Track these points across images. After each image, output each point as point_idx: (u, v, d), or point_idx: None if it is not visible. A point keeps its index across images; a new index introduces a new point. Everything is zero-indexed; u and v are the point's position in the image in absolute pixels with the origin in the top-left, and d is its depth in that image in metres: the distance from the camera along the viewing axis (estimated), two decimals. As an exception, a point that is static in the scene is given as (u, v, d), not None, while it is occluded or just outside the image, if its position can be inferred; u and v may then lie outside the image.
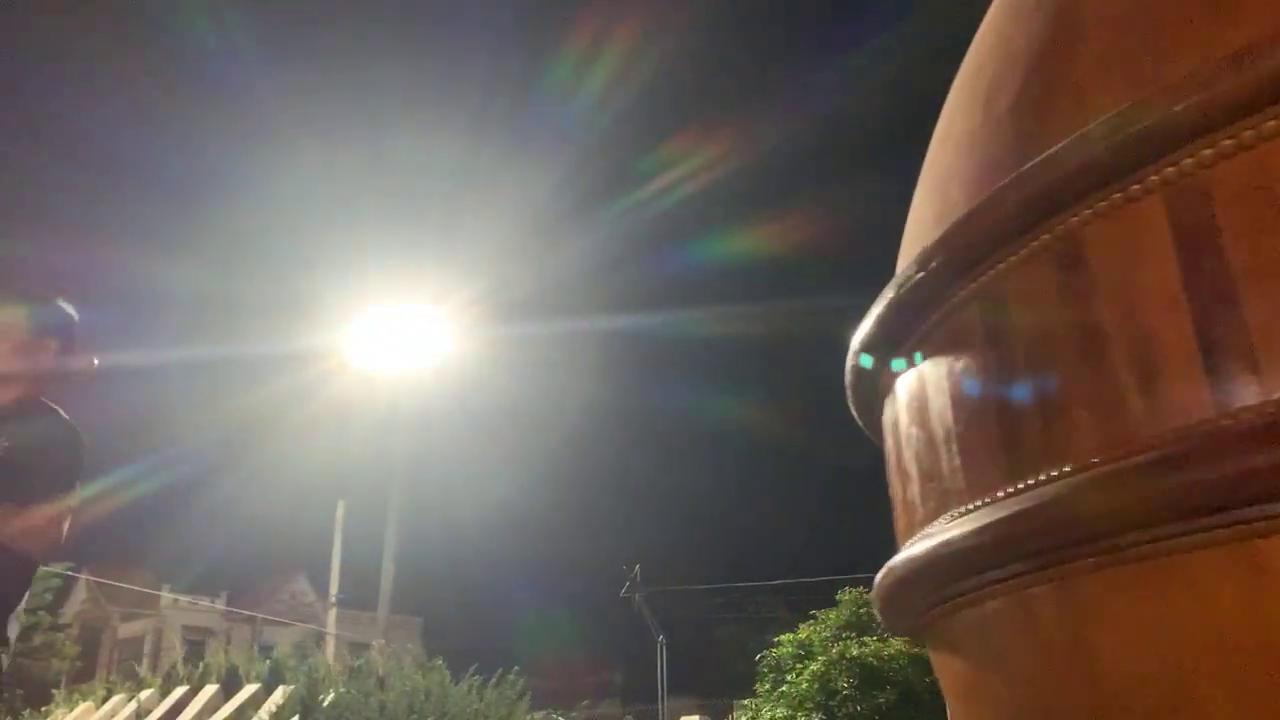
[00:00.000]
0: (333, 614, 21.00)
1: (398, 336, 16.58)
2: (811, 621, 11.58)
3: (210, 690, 10.88)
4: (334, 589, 20.96)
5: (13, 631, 2.51)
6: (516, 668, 11.19)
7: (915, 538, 1.24)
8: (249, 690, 10.71)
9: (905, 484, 1.33)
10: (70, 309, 2.85)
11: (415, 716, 10.30)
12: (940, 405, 1.19)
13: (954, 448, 1.16)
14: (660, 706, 18.51)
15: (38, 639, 23.00)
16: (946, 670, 1.44)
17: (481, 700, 10.92)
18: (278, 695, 10.35)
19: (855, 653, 9.52)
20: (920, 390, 1.26)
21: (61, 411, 2.74)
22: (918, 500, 1.26)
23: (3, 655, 2.44)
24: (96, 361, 2.89)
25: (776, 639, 11.63)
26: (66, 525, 2.57)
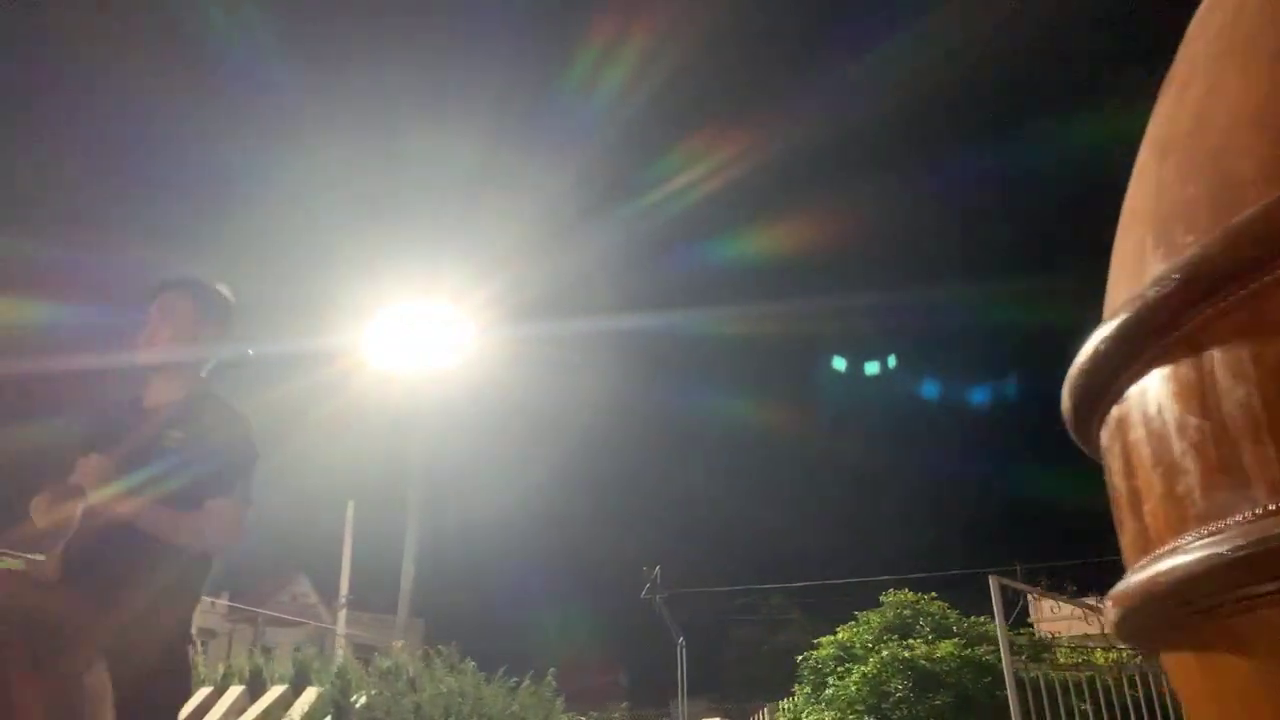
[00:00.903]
0: (342, 615, 20.75)
1: (415, 336, 16.38)
2: (852, 624, 11.41)
3: (236, 691, 10.65)
4: (344, 590, 20.72)
5: (193, 628, 2.34)
6: (553, 669, 11.02)
7: (1163, 551, 1.14)
8: (276, 691, 10.48)
9: (1143, 501, 1.23)
10: (228, 293, 2.64)
11: (453, 718, 10.09)
12: (1194, 420, 1.07)
13: (1209, 461, 1.05)
14: (681, 708, 18.34)
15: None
16: (1202, 681, 1.34)
17: (516, 702, 10.73)
18: (310, 695, 10.12)
19: (908, 655, 9.35)
20: (1169, 405, 1.13)
21: (227, 401, 2.54)
22: (1161, 516, 1.17)
23: (191, 650, 2.28)
24: (251, 351, 2.69)
25: (816, 640, 11.45)
26: (245, 517, 2.38)
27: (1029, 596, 23.03)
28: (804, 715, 10.75)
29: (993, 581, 7.57)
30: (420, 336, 16.50)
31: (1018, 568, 19.14)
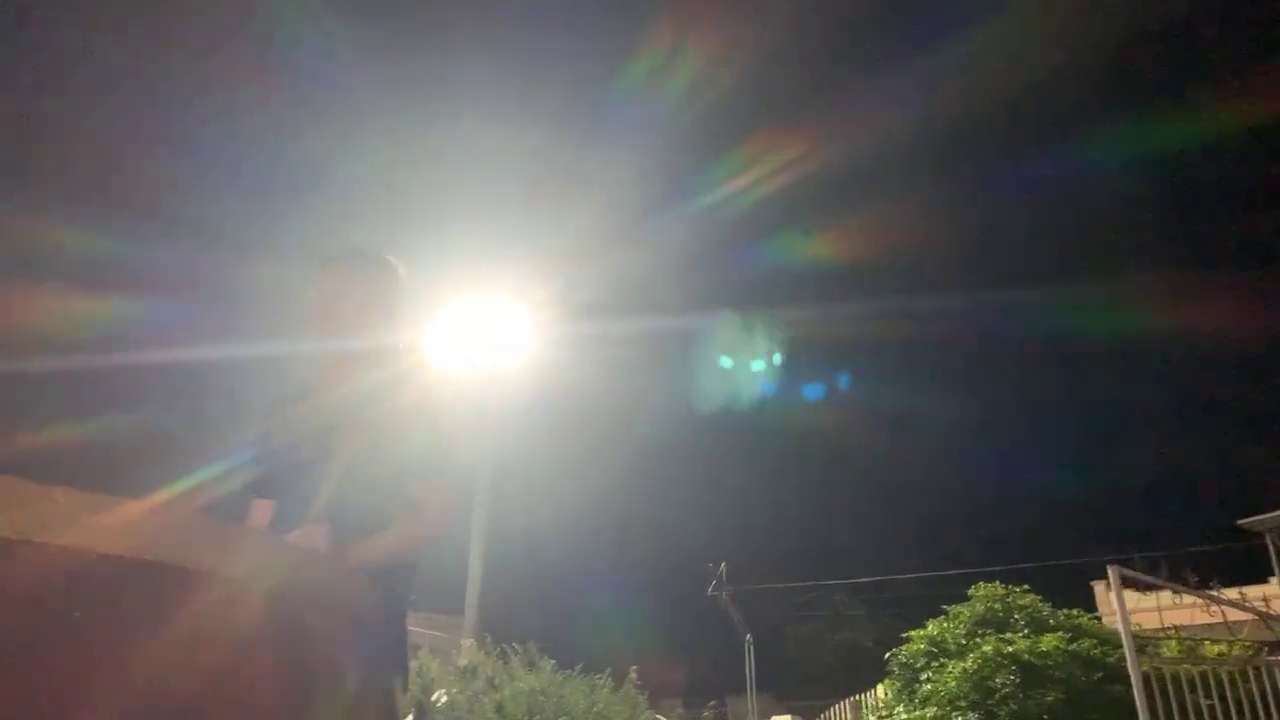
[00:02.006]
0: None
1: (476, 334, 16.27)
2: (941, 618, 11.06)
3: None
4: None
5: None
6: (634, 667, 10.83)
7: None
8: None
9: None
10: (402, 268, 2.44)
11: (539, 717, 9.92)
12: None
13: None
14: (750, 704, 18.07)
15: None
16: None
17: (599, 700, 10.56)
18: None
19: (1012, 649, 9.00)
20: None
21: (419, 383, 2.34)
22: None
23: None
24: (422, 331, 2.49)
25: (905, 635, 11.12)
26: (453, 506, 2.18)
27: (1100, 588, 22.32)
28: (895, 711, 10.44)
29: (1112, 572, 7.21)
30: (481, 335, 16.40)
31: (1134, 557, 18.57)
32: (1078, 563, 20.44)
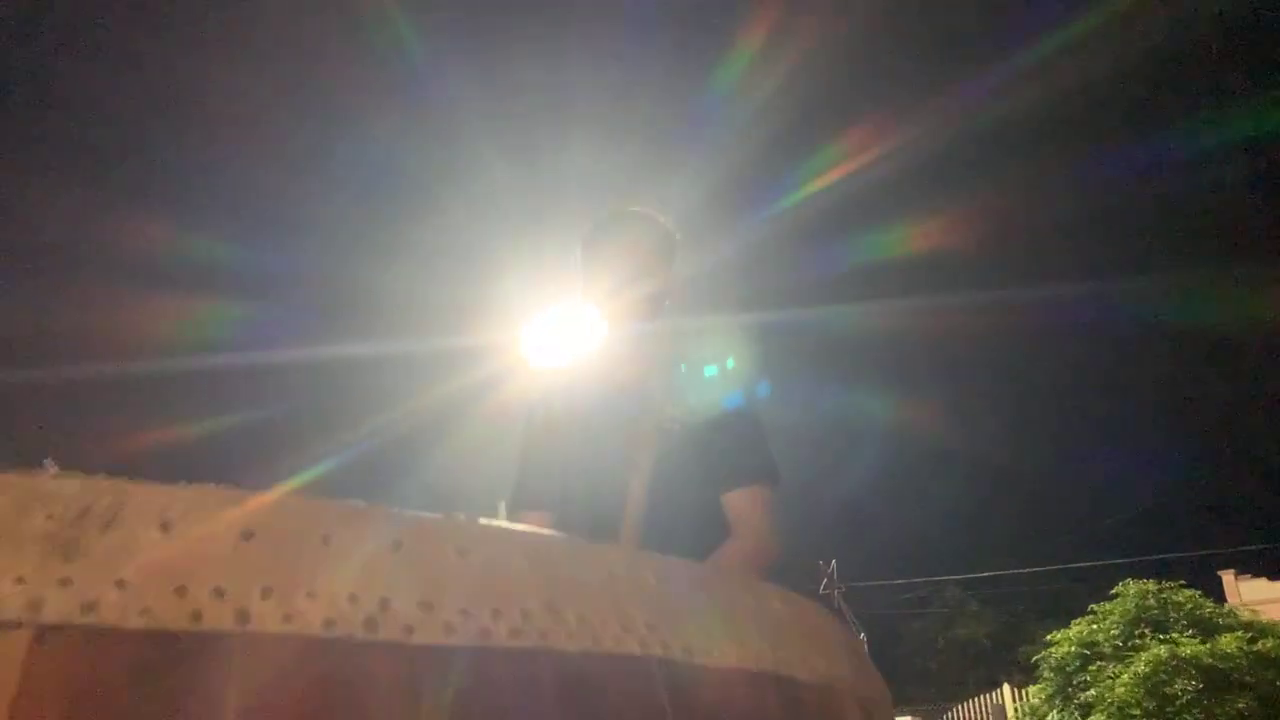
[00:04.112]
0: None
1: (572, 335, 16.10)
2: (1088, 617, 10.39)
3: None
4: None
5: None
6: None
7: None
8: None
9: None
10: (671, 225, 2.05)
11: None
12: None
13: None
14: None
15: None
16: None
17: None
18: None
19: (1188, 652, 8.33)
20: None
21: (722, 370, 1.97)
22: None
23: None
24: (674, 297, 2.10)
25: (1050, 638, 10.48)
26: (784, 527, 1.80)
27: (1228, 578, 21.10)
28: (1050, 717, 9.83)
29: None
30: (577, 336, 16.22)
31: (1264, 547, 17.51)
32: (1206, 554, 19.33)
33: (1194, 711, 7.89)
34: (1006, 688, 14.09)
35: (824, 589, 17.78)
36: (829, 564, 17.80)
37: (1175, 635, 9.16)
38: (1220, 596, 20.42)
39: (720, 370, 1.87)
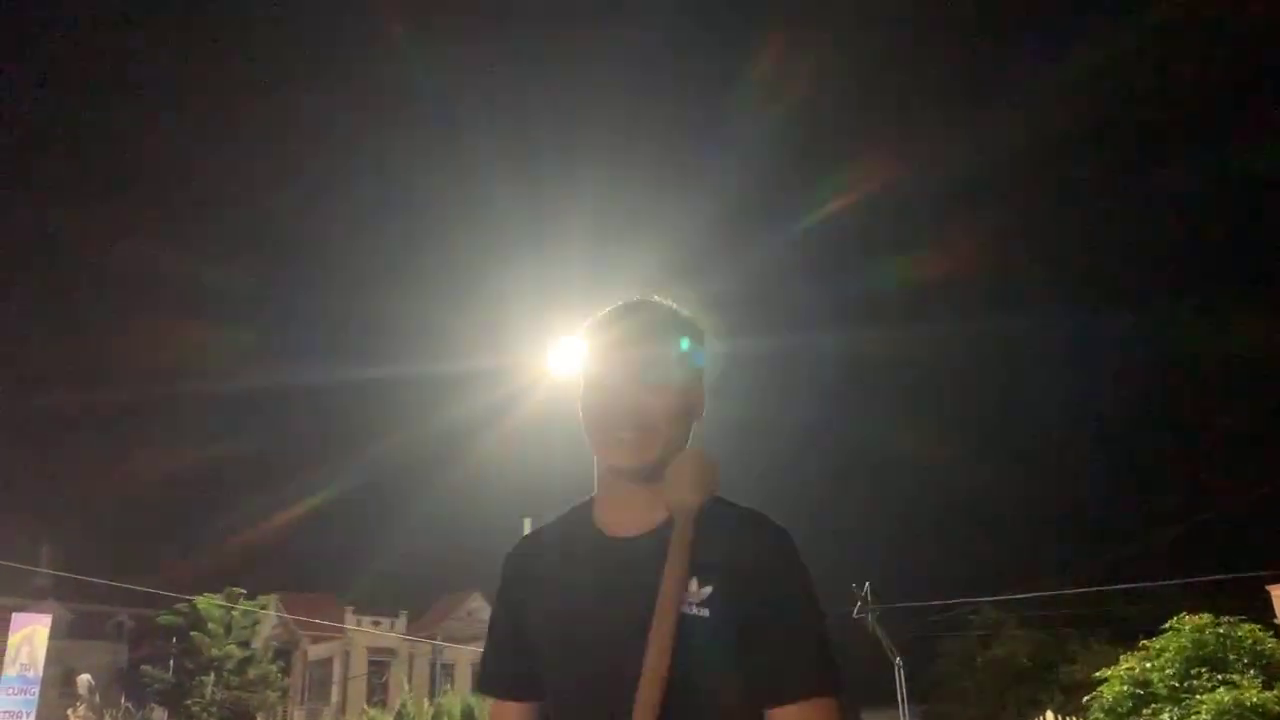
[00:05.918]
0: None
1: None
2: (1140, 651, 9.86)
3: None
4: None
5: None
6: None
7: None
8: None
9: None
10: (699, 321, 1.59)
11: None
12: None
13: None
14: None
15: (252, 672, 23.29)
16: None
17: None
18: None
19: (1254, 699, 7.82)
20: None
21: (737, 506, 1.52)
22: None
23: None
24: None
25: (1101, 674, 9.95)
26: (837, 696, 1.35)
27: (1278, 594, 20.34)
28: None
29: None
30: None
31: None
32: (1259, 576, 18.61)
33: (1261, 767, 7.38)
34: (1050, 714, 13.56)
35: (858, 613, 17.30)
36: (863, 587, 17.32)
37: (1236, 677, 8.62)
38: (1267, 611, 19.66)
39: (764, 532, 1.43)
